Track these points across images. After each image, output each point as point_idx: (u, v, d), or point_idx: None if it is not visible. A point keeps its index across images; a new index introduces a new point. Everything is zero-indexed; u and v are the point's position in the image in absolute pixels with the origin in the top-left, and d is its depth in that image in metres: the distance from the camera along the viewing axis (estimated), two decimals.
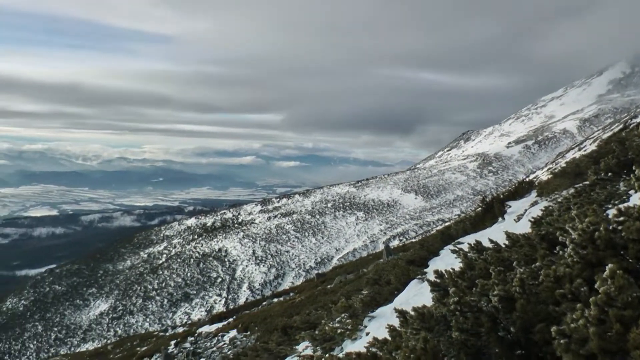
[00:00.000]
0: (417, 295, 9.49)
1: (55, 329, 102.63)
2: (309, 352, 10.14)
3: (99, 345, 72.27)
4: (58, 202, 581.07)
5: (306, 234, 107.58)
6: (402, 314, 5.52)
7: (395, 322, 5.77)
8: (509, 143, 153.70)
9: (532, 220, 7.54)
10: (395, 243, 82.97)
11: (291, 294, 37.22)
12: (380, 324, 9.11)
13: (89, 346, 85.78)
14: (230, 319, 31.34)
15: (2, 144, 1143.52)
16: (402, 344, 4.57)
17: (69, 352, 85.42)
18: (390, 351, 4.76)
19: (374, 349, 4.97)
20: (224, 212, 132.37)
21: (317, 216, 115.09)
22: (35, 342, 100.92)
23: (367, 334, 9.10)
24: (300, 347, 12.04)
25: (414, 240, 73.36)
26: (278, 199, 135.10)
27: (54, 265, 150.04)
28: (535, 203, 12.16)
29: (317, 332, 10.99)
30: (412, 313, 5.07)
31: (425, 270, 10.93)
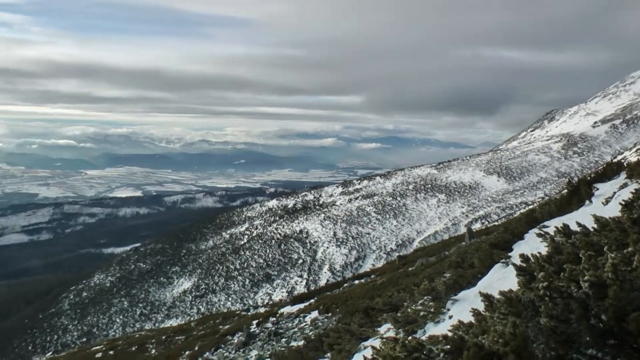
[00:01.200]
0: (500, 279, 9.34)
1: (141, 305, 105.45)
2: (392, 334, 10.11)
3: (182, 322, 73.78)
4: (142, 183, 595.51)
5: (387, 216, 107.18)
6: (487, 297, 5.43)
7: (480, 306, 5.69)
8: (595, 123, 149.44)
9: (623, 203, 7.28)
10: (477, 226, 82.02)
11: (372, 276, 37.20)
12: (463, 308, 9.01)
13: (173, 322, 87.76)
14: (312, 300, 31.53)
15: (89, 128, 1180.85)
16: (489, 328, 4.49)
17: (153, 327, 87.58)
18: (477, 335, 4.69)
19: (460, 332, 4.90)
20: (305, 194, 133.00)
21: (398, 198, 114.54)
22: (121, 317, 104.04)
23: (450, 317, 9.01)
24: (382, 329, 12.02)
25: (496, 223, 72.36)
26: (359, 181, 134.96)
27: (138, 244, 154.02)
28: (624, 185, 11.77)
29: (399, 315, 10.94)
30: (499, 297, 4.98)
31: (509, 254, 10.74)
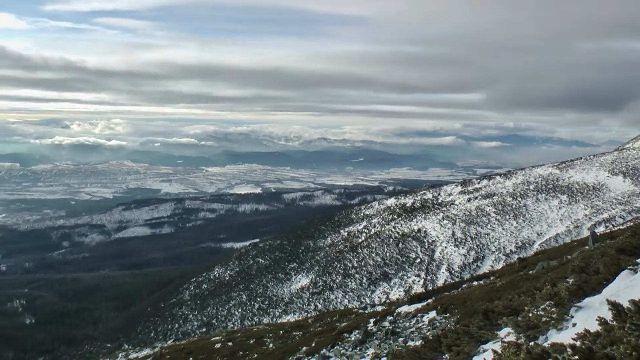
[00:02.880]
0: (628, 287, 9.00)
1: (259, 299, 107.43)
2: (512, 338, 9.94)
3: (300, 318, 74.64)
4: (262, 180, 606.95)
5: (507, 216, 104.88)
6: (615, 306, 5.26)
7: (606, 315, 5.51)
8: None
9: None
10: (600, 229, 79.19)
11: (491, 278, 36.58)
12: (588, 315, 8.76)
13: (290, 318, 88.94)
14: (429, 300, 31.31)
15: (210, 127, 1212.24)
16: (620, 339, 4.34)
17: (271, 321, 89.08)
18: (605, 346, 4.54)
19: (587, 342, 4.76)
20: (424, 193, 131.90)
21: (519, 198, 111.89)
22: (239, 310, 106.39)
23: (574, 325, 8.77)
24: (502, 333, 11.82)
25: (621, 227, 69.64)
26: (478, 180, 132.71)
27: (257, 240, 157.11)
28: None
29: (519, 319, 10.73)
30: (629, 306, 4.82)
31: (637, 260, 10.35)
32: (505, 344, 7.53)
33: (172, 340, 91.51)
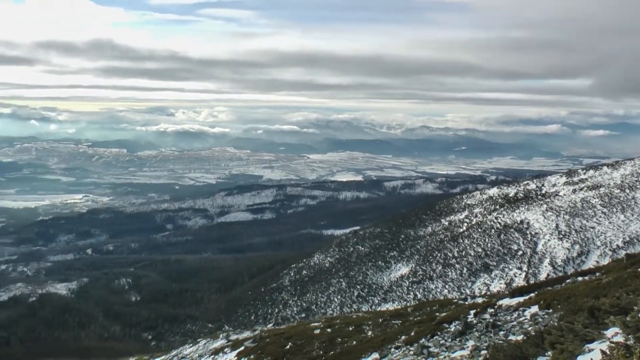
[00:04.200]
0: None
1: (358, 286, 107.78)
2: (620, 339, 9.64)
3: (399, 307, 74.53)
4: (363, 168, 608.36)
5: (614, 209, 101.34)
6: None
7: None
8: None
9: None
10: None
11: (597, 274, 35.57)
12: None
13: (389, 306, 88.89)
14: (532, 294, 30.67)
15: (312, 115, 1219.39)
16: None
17: (369, 309, 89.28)
18: None
19: None
20: (527, 183, 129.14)
21: (627, 191, 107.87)
22: (339, 297, 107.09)
23: None
24: (609, 333, 11.48)
25: None
26: (584, 171, 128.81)
27: (357, 227, 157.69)
28: None
29: (628, 319, 10.39)
30: None
31: None
32: (614, 345, 7.30)
33: (271, 324, 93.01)
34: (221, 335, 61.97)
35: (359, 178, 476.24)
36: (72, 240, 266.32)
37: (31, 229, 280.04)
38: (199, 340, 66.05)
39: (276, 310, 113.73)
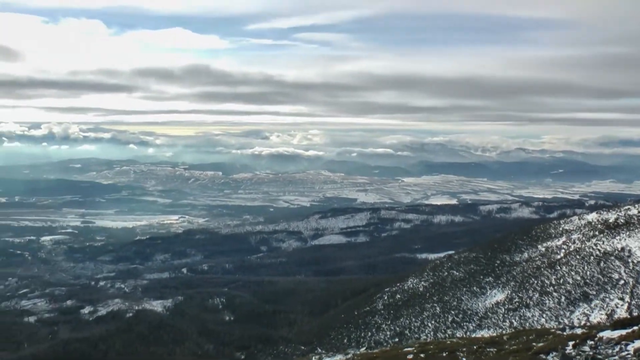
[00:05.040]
0: None
1: (452, 312, 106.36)
2: None
3: (494, 334, 73.15)
4: (457, 191, 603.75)
5: None
6: None
7: None
8: None
9: None
10: None
11: None
12: None
13: (484, 333, 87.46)
14: (635, 327, 29.68)
15: (405, 137, 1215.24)
16: None
17: (464, 335, 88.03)
18: None
19: None
20: (628, 208, 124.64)
21: None
22: (433, 322, 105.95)
23: None
24: None
25: None
26: None
27: (452, 252, 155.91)
28: None
29: None
30: None
31: None
32: None
33: (364, 348, 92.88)
34: (314, 358, 62.24)
35: (454, 201, 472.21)
36: (167, 260, 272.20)
37: (129, 247, 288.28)
38: None
39: (369, 334, 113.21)
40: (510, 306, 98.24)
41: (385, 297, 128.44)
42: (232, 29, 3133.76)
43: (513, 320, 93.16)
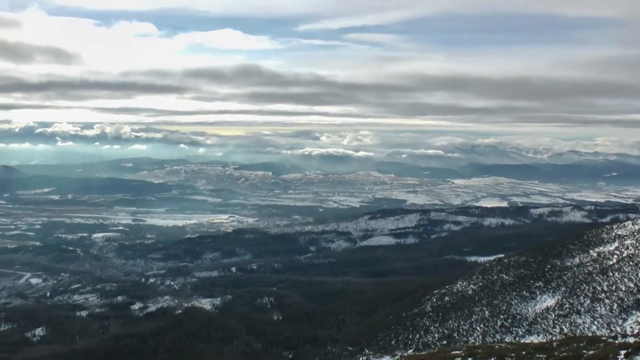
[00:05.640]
0: None
1: (502, 316, 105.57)
2: None
3: (544, 340, 72.48)
4: (508, 194, 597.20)
5: None
6: None
7: None
8: None
9: None
10: None
11: None
12: None
13: (534, 339, 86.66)
14: None
15: (456, 139, 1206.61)
16: None
17: (513, 340, 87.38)
18: None
19: None
20: None
21: None
22: (481, 326, 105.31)
23: None
24: None
25: None
26: None
27: (502, 255, 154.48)
28: None
29: None
30: None
31: None
32: None
33: (412, 350, 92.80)
34: (361, 359, 62.52)
35: (504, 204, 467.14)
36: (217, 258, 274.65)
37: (179, 246, 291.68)
38: None
39: (417, 335, 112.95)
40: (561, 312, 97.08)
41: (434, 300, 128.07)
42: (282, 30, 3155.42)
43: (563, 327, 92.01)
